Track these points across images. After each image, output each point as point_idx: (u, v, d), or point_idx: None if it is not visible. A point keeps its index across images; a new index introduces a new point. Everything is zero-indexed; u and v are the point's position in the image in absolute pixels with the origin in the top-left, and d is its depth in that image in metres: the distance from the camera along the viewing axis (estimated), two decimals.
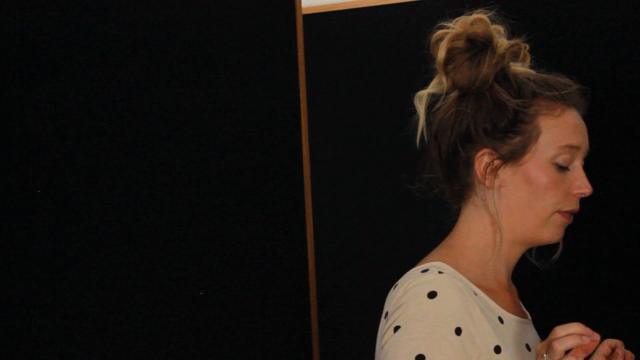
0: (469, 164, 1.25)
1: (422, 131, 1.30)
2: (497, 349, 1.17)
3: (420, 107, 1.30)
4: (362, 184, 2.31)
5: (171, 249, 2.03)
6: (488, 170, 1.24)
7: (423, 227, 1.33)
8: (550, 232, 1.25)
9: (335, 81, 2.34)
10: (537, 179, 1.22)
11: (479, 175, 1.24)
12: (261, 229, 2.18)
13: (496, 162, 1.23)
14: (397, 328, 1.14)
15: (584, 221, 2.10)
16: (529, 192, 1.23)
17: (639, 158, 2.04)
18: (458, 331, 1.13)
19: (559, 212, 1.24)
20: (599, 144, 2.04)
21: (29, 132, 1.86)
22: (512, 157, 1.23)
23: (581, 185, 1.25)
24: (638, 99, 2.06)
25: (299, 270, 2.29)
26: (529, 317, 1.34)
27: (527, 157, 1.23)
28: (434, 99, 1.31)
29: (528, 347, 1.25)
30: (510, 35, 1.30)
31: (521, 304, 1.38)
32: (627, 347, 1.17)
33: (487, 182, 1.24)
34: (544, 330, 1.40)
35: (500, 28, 1.29)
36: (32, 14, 1.88)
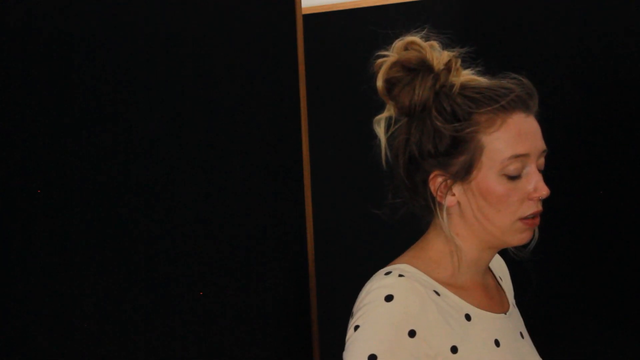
0: (426, 184, 1.29)
1: (386, 153, 1.34)
2: (454, 349, 1.21)
3: (380, 131, 1.34)
4: (362, 184, 2.31)
5: (171, 249, 2.03)
6: (441, 189, 1.27)
7: (423, 227, 1.35)
8: (517, 238, 1.27)
9: (335, 81, 2.34)
10: (489, 192, 1.24)
11: (435, 195, 1.28)
12: (261, 229, 2.18)
13: (448, 181, 1.26)
14: (356, 327, 1.21)
15: (582, 220, 2.10)
16: (484, 205, 1.25)
17: (638, 158, 2.04)
18: (412, 334, 1.18)
19: (519, 219, 1.25)
20: (598, 144, 2.04)
21: (29, 132, 1.86)
22: (461, 175, 1.25)
23: (537, 188, 1.25)
24: (636, 99, 2.06)
25: (299, 270, 2.29)
26: (509, 310, 1.36)
27: (475, 173, 1.25)
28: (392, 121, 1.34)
29: (497, 343, 1.27)
30: (445, 46, 1.30)
31: (504, 297, 1.39)
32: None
33: (443, 201, 1.27)
34: (533, 321, 1.40)
35: (435, 43, 1.30)
36: (32, 14, 1.89)
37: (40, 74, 1.88)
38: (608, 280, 2.10)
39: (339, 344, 1.35)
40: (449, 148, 1.25)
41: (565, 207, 2.06)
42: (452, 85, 1.27)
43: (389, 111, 1.33)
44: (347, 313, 1.27)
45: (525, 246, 1.33)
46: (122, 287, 1.95)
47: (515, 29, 2.18)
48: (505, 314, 1.33)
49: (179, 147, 2.06)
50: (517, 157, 1.23)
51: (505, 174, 1.24)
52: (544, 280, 2.14)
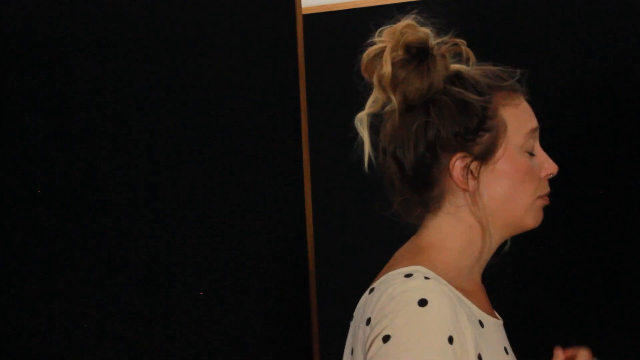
0: (442, 173, 1.23)
1: (369, 154, 1.27)
2: (480, 358, 1.14)
3: (363, 130, 1.26)
4: (362, 184, 2.31)
5: (171, 249, 2.03)
6: (470, 174, 1.21)
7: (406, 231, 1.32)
8: (534, 217, 1.25)
9: (335, 81, 2.34)
10: (515, 170, 1.22)
11: (457, 182, 1.22)
12: (261, 229, 2.18)
13: (472, 164, 1.21)
14: (387, 337, 1.10)
15: (582, 220, 2.10)
16: (510, 185, 1.22)
17: (638, 158, 2.04)
18: (451, 340, 1.09)
19: (539, 197, 1.24)
20: (598, 144, 2.04)
21: (29, 132, 1.86)
22: (487, 155, 1.22)
23: (548, 165, 1.25)
24: (635, 99, 2.06)
25: (299, 270, 2.29)
26: (501, 319, 1.32)
27: (500, 151, 1.22)
28: (373, 119, 1.27)
29: (506, 351, 1.23)
30: (436, 35, 1.26)
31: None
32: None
33: (469, 187, 1.21)
34: (513, 332, 1.39)
35: (427, 30, 1.26)
36: (32, 14, 1.89)
37: (41, 74, 1.88)
38: (606, 283, 2.10)
39: (339, 345, 1.34)
40: (479, 124, 1.21)
41: (564, 208, 2.06)
42: (458, 71, 1.25)
43: (371, 107, 1.27)
44: (348, 313, 1.25)
45: (500, 250, 1.30)
46: (122, 287, 1.95)
47: (511, 26, 2.18)
48: (501, 320, 1.30)
49: (179, 147, 2.06)
50: (534, 130, 1.24)
51: (526, 150, 1.23)
52: (539, 283, 2.14)
